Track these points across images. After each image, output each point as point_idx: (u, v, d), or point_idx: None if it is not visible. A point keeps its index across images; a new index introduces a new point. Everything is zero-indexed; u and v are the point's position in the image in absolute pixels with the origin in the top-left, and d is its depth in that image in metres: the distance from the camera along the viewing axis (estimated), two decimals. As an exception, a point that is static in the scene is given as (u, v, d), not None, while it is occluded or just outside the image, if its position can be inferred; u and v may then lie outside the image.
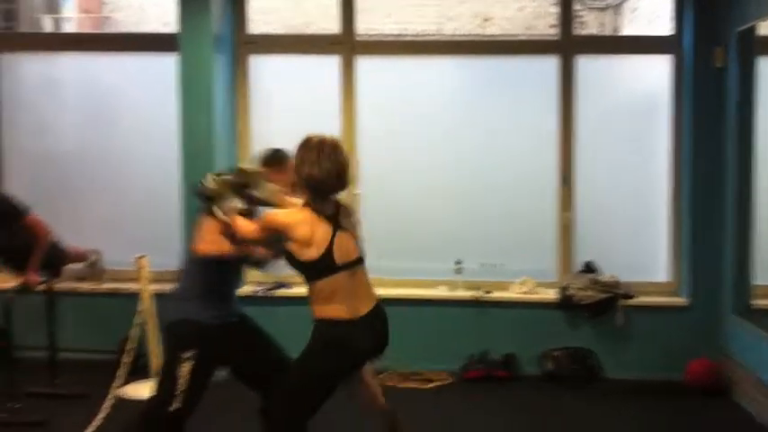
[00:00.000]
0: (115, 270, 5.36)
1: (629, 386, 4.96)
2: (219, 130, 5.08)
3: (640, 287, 5.20)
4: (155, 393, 3.17)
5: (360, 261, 3.02)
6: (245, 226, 3.01)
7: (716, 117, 4.99)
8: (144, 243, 5.19)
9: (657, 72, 5.28)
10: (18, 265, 4.54)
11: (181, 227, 4.98)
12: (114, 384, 4.33)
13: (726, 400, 4.76)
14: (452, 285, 5.30)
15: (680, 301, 5.14)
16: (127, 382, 4.56)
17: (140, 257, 4.78)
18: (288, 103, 5.45)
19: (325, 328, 2.92)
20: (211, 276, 3.19)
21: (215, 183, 3.09)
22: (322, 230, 2.89)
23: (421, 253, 5.45)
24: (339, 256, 2.90)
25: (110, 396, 4.18)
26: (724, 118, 4.95)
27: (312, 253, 2.86)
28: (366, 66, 5.39)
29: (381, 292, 5.18)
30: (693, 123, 5.07)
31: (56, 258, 4.77)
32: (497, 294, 5.22)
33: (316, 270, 2.89)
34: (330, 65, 5.38)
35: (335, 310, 2.91)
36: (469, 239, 5.41)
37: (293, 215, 2.92)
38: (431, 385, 4.98)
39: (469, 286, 5.26)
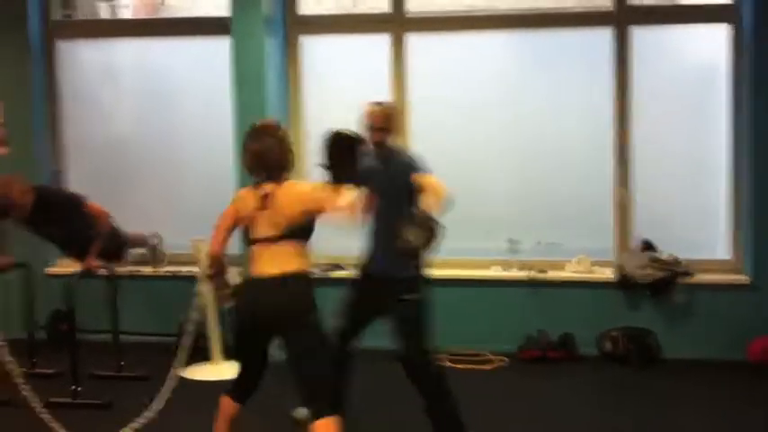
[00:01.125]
0: (174, 253, 5.47)
1: (689, 366, 4.87)
2: (272, 112, 5.11)
3: (700, 265, 5.08)
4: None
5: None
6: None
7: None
8: (201, 226, 5.25)
9: (716, 42, 5.11)
10: (80, 253, 4.65)
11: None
12: (175, 366, 4.41)
13: (790, 380, 4.64)
14: (506, 265, 5.26)
15: (741, 278, 5.01)
16: (187, 363, 4.66)
17: (197, 240, 4.86)
18: (340, 83, 5.46)
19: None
20: None
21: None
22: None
23: (475, 232, 5.40)
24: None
25: (170, 377, 4.27)
26: (788, 87, 4.78)
27: None
28: (417, 43, 5.36)
29: (438, 272, 5.27)
30: (754, 95, 4.91)
31: (116, 244, 4.87)
32: (553, 274, 5.16)
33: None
34: (381, 43, 5.37)
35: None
36: (524, 218, 5.35)
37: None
38: (488, 366, 4.97)
39: (524, 266, 5.21)
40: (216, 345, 4.89)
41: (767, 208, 4.91)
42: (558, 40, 5.32)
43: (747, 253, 5.03)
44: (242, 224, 3.19)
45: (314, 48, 5.48)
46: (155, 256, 5.43)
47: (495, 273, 5.25)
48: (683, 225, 5.26)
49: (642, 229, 5.22)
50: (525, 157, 5.35)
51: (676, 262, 5.00)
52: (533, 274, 5.15)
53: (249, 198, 3.14)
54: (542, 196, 5.34)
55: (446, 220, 5.24)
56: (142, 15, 5.89)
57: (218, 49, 5.30)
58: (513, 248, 5.23)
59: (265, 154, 3.10)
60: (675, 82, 5.21)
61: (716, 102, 5.13)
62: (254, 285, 3.12)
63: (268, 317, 3.07)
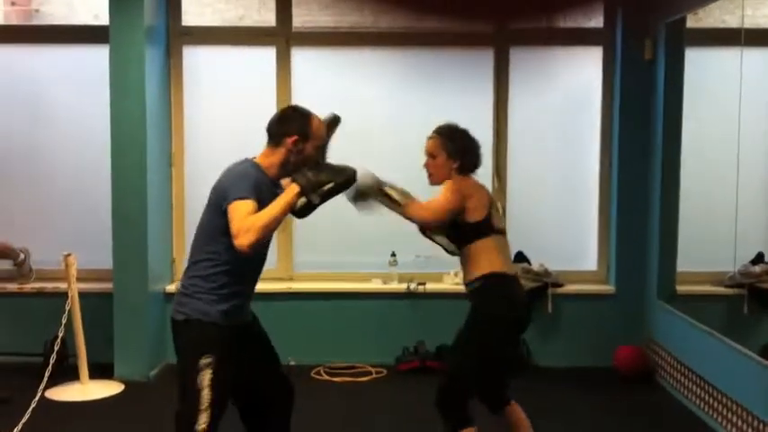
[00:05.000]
0: (42, 269, 5.25)
1: (558, 373, 5.07)
2: (152, 123, 4.99)
3: (570, 276, 5.31)
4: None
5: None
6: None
7: (644, 108, 5.11)
8: (73, 241, 5.09)
9: (590, 64, 5.38)
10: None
11: (111, 224, 4.89)
12: (40, 387, 4.23)
13: (652, 385, 4.90)
14: (387, 278, 5.33)
15: (607, 288, 5.27)
16: (54, 384, 4.48)
17: (67, 255, 4.69)
18: (224, 96, 5.41)
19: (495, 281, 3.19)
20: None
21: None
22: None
23: (356, 246, 5.46)
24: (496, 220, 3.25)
25: (35, 399, 4.08)
26: (652, 109, 5.08)
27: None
28: (302, 57, 5.37)
29: (315, 285, 5.31)
30: (622, 115, 5.19)
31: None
32: (431, 286, 5.26)
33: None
34: (266, 57, 5.36)
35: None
36: (404, 232, 5.41)
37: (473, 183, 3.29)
38: (365, 378, 5.00)
39: (404, 279, 5.29)
40: (84, 364, 4.71)
41: (630, 223, 5.19)
42: (440, 59, 5.45)
43: (612, 265, 5.29)
44: (478, 212, 3.19)
45: (198, 59, 5.40)
46: (22, 271, 5.20)
47: (375, 285, 5.31)
48: (554, 238, 5.48)
49: (517, 241, 5.38)
50: (406, 173, 5.41)
51: (547, 273, 5.20)
52: (412, 286, 5.23)
53: (480, 187, 3.26)
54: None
55: (329, 234, 5.37)
56: (13, 22, 5.64)
57: (97, 59, 5.14)
58: (393, 262, 5.30)
59: None
60: (552, 101, 5.44)
61: (589, 121, 5.39)
62: (515, 284, 3.27)
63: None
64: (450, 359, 3.28)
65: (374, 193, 3.16)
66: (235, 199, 2.63)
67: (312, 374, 5.04)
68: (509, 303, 3.17)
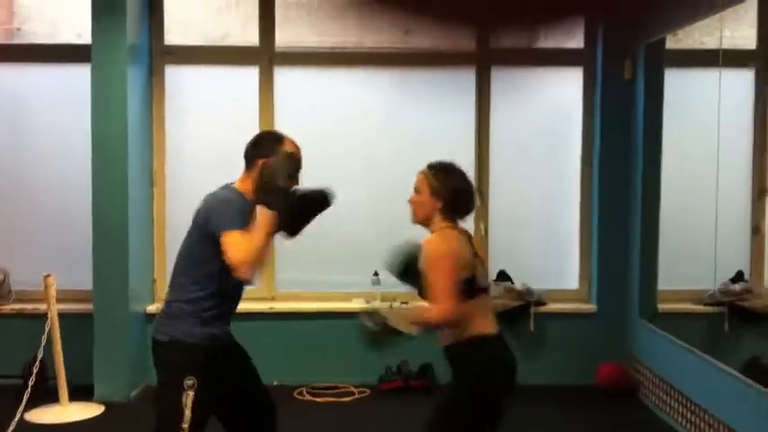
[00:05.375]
0: (21, 290, 5.19)
1: (541, 391, 5.06)
2: (133, 142, 4.98)
3: (552, 295, 5.33)
4: None
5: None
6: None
7: (624, 128, 5.17)
8: (53, 261, 5.05)
9: (570, 84, 5.43)
10: None
11: (92, 242, 4.86)
12: (19, 410, 4.17)
13: (634, 402, 4.92)
14: (370, 297, 5.31)
15: (589, 307, 5.29)
16: (33, 406, 4.42)
17: (47, 276, 4.64)
18: (207, 115, 5.41)
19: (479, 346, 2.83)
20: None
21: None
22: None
23: (339, 265, 5.45)
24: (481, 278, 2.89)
25: (14, 421, 4.03)
26: (632, 129, 5.13)
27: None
28: (285, 77, 5.39)
29: (297, 305, 5.29)
30: (602, 134, 5.24)
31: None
32: (413, 305, 5.25)
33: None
34: (249, 76, 5.36)
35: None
36: (387, 251, 5.42)
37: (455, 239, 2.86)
38: (348, 398, 4.98)
39: (387, 297, 5.28)
40: (63, 386, 4.65)
41: (611, 242, 5.23)
42: (425, 77, 5.49)
43: (594, 283, 5.32)
44: (461, 272, 2.79)
45: (181, 78, 5.40)
46: (0, 292, 5.14)
47: (357, 305, 5.29)
48: (537, 257, 5.51)
49: (499, 260, 5.42)
50: (390, 192, 5.44)
51: (529, 292, 5.21)
52: (395, 305, 5.22)
53: (462, 241, 2.87)
54: (405, 230, 5.43)
55: (311, 254, 5.36)
56: (-4, 41, 5.61)
57: (79, 78, 5.12)
58: (376, 281, 5.30)
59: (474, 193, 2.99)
60: (533, 121, 5.48)
61: (570, 141, 5.43)
62: (500, 345, 2.86)
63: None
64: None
65: (384, 334, 2.94)
66: (229, 229, 2.65)
67: (295, 395, 5.01)
68: (495, 367, 2.83)
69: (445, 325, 2.82)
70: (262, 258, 2.67)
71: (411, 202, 2.97)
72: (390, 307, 5.12)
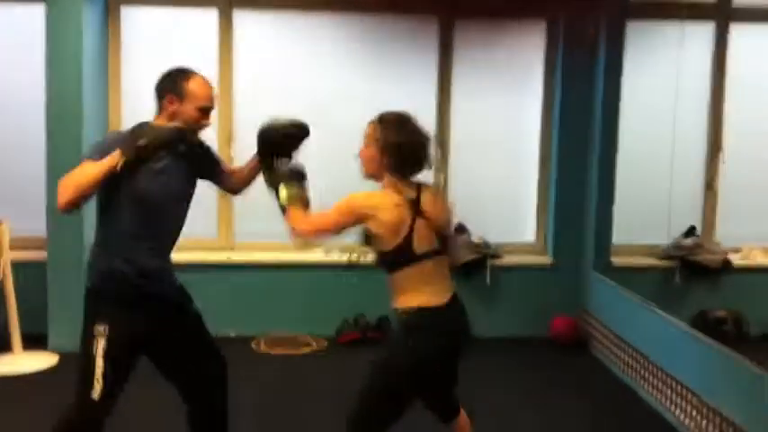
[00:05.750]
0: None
1: (497, 343, 5.14)
2: (88, 88, 4.84)
3: (509, 248, 5.39)
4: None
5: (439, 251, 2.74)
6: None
7: (585, 81, 5.17)
8: (4, 207, 4.93)
9: (533, 36, 5.39)
10: None
11: (46, 188, 4.75)
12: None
13: (585, 354, 5.03)
14: (328, 249, 5.31)
15: (545, 260, 5.36)
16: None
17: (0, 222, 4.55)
18: (164, 59, 5.23)
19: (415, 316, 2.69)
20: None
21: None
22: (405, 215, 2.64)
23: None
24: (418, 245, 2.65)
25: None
26: (592, 82, 5.14)
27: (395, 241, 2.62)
28: (244, 20, 5.27)
29: (255, 257, 5.27)
30: (563, 88, 5.25)
31: None
32: (371, 257, 5.25)
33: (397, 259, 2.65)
34: (208, 18, 5.24)
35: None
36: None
37: (380, 198, 2.68)
38: (305, 350, 5.01)
39: (345, 249, 5.28)
40: (16, 335, 4.60)
41: (568, 196, 5.29)
42: (385, 25, 5.39)
43: (550, 237, 5.39)
44: (388, 239, 2.62)
45: (137, 19, 5.24)
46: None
47: (315, 256, 5.29)
48: (494, 210, 5.54)
49: (458, 213, 5.43)
50: (350, 140, 5.39)
51: (486, 245, 5.26)
52: (354, 257, 5.23)
53: (397, 206, 2.63)
54: (361, 180, 5.41)
55: (267, 204, 5.29)
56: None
57: (30, 19, 4.93)
58: (335, 232, 5.29)
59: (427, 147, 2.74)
60: (494, 74, 5.45)
61: (531, 95, 5.43)
62: (442, 318, 2.69)
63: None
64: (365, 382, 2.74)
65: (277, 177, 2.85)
66: (83, 159, 2.63)
67: (252, 345, 5.02)
68: (431, 341, 2.66)
69: (296, 235, 2.80)
70: (78, 191, 2.54)
71: (360, 155, 2.79)
72: (349, 255, 5.15)
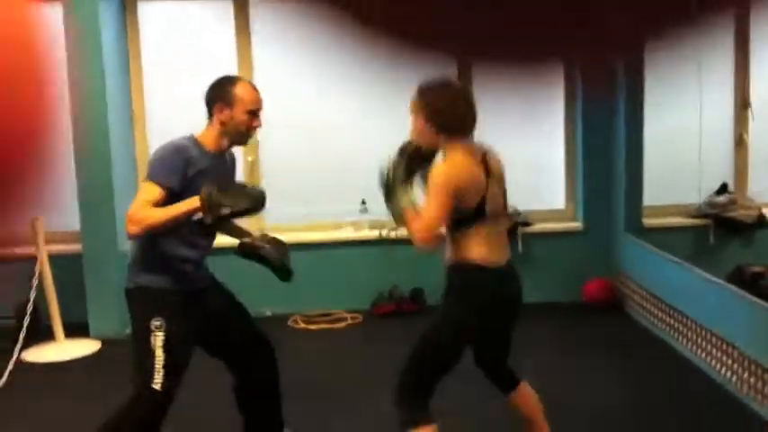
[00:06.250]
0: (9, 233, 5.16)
1: (530, 309, 5.10)
2: (111, 82, 4.89)
3: (539, 215, 5.37)
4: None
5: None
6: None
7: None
8: (38, 203, 4.99)
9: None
10: None
11: (76, 183, 4.82)
12: (16, 348, 4.21)
13: (621, 315, 5.02)
14: (358, 226, 5.34)
15: (576, 225, 5.34)
16: (28, 345, 4.46)
17: (35, 219, 4.62)
18: (182, 52, 5.30)
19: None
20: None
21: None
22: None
23: (326, 195, 5.45)
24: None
25: (11, 361, 4.07)
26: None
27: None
28: (261, 12, 5.26)
29: (287, 236, 5.27)
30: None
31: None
32: (403, 232, 5.27)
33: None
34: (224, 11, 5.25)
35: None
36: (374, 179, 5.42)
37: (461, 164, 2.67)
38: (342, 324, 5.05)
39: (375, 225, 5.30)
40: (58, 324, 4.69)
41: (596, 159, 5.24)
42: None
43: (579, 201, 5.36)
44: (469, 200, 2.65)
45: (154, 14, 5.26)
46: (-13, 236, 5.11)
47: (346, 233, 5.32)
48: (522, 177, 5.50)
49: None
50: (375, 120, 5.42)
51: (515, 212, 5.24)
52: (384, 232, 5.25)
53: (471, 168, 2.67)
54: (390, 156, 5.42)
55: (299, 185, 5.34)
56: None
57: (48, 18, 4.98)
58: (364, 209, 5.31)
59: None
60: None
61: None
62: (497, 277, 2.75)
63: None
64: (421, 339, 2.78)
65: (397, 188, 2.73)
66: (147, 179, 2.65)
67: (289, 323, 5.07)
68: (484, 297, 2.74)
69: (417, 244, 2.67)
70: (150, 230, 2.61)
71: (412, 128, 2.78)
72: (380, 233, 5.17)
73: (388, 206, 2.77)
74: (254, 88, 2.85)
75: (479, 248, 2.69)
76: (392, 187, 2.73)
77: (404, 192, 2.72)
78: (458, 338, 2.75)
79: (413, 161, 2.77)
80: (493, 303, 2.74)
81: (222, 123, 2.76)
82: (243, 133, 2.80)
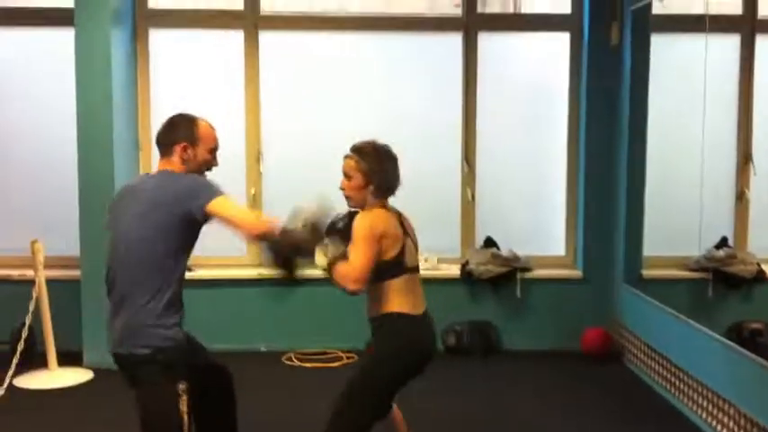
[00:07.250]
0: (6, 256, 5.18)
1: (527, 356, 5.13)
2: (118, 107, 4.93)
3: (538, 261, 5.37)
4: None
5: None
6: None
7: (611, 94, 5.17)
8: (37, 227, 5.02)
9: (557, 50, 5.41)
10: None
11: (78, 208, 4.83)
12: (8, 374, 4.18)
13: (618, 366, 4.99)
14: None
15: (575, 273, 5.34)
16: (22, 372, 4.43)
17: (34, 242, 4.62)
18: (191, 79, 5.36)
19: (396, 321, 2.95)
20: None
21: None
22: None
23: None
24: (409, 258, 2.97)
25: (3, 386, 4.04)
26: (619, 94, 5.13)
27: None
28: (269, 41, 5.34)
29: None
30: (589, 100, 5.24)
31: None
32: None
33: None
34: (234, 40, 5.32)
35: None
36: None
37: (385, 217, 2.93)
38: (337, 363, 5.02)
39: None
40: (52, 351, 4.66)
41: (597, 208, 5.27)
42: (409, 43, 5.45)
43: (579, 249, 5.36)
44: (390, 251, 2.88)
45: (165, 42, 5.33)
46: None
47: (345, 271, 5.30)
48: (523, 224, 5.53)
49: (486, 227, 5.44)
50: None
51: (515, 257, 5.25)
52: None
53: (391, 219, 2.95)
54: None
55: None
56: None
57: (62, 42, 5.03)
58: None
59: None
60: (520, 87, 5.47)
61: (557, 106, 5.43)
62: (423, 324, 3.00)
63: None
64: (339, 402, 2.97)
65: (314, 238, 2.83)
66: (218, 195, 2.65)
67: (283, 360, 5.04)
68: (412, 344, 2.95)
69: (350, 293, 2.84)
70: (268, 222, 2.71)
71: (344, 188, 2.98)
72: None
73: (310, 262, 2.87)
74: (212, 127, 2.90)
75: (400, 299, 2.91)
76: (314, 248, 2.85)
77: (326, 248, 2.89)
78: (386, 385, 2.96)
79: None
80: (421, 349, 2.99)
81: (184, 161, 2.78)
82: (202, 171, 2.83)
